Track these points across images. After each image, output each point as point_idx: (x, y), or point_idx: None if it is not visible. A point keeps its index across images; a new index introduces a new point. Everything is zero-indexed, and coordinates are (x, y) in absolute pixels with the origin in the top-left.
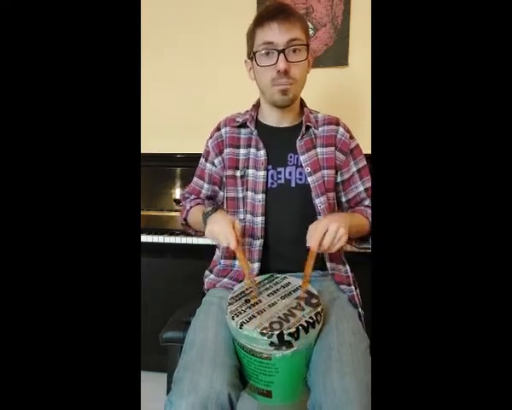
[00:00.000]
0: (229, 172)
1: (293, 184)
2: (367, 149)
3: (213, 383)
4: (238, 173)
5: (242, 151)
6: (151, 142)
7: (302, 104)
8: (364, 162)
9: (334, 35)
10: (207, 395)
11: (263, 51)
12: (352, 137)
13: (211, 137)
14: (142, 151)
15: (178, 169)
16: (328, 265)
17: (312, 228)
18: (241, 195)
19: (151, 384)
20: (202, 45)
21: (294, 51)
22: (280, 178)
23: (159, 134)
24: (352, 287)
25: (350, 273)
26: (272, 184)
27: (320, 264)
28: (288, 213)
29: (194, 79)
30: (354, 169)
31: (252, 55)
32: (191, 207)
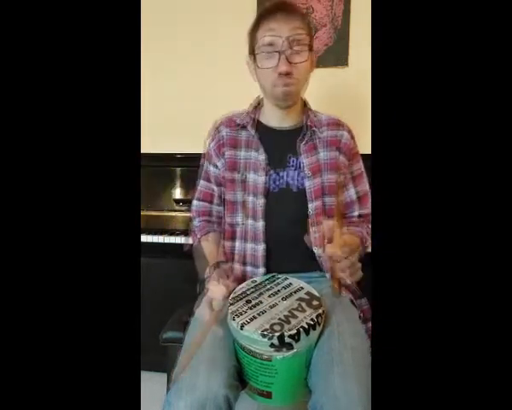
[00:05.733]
0: (229, 175)
1: (294, 189)
2: (367, 148)
3: (211, 384)
4: (238, 176)
5: (242, 153)
6: (151, 142)
7: (304, 105)
8: (361, 170)
9: (334, 35)
10: (205, 395)
11: (263, 53)
12: (354, 143)
13: (212, 140)
14: (142, 151)
15: (178, 169)
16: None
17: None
18: (240, 198)
19: (151, 384)
20: (202, 46)
21: (297, 52)
22: (281, 183)
23: (159, 134)
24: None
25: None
26: (274, 188)
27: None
28: (288, 216)
29: (194, 79)
30: (349, 175)
31: (253, 56)
32: (201, 236)
